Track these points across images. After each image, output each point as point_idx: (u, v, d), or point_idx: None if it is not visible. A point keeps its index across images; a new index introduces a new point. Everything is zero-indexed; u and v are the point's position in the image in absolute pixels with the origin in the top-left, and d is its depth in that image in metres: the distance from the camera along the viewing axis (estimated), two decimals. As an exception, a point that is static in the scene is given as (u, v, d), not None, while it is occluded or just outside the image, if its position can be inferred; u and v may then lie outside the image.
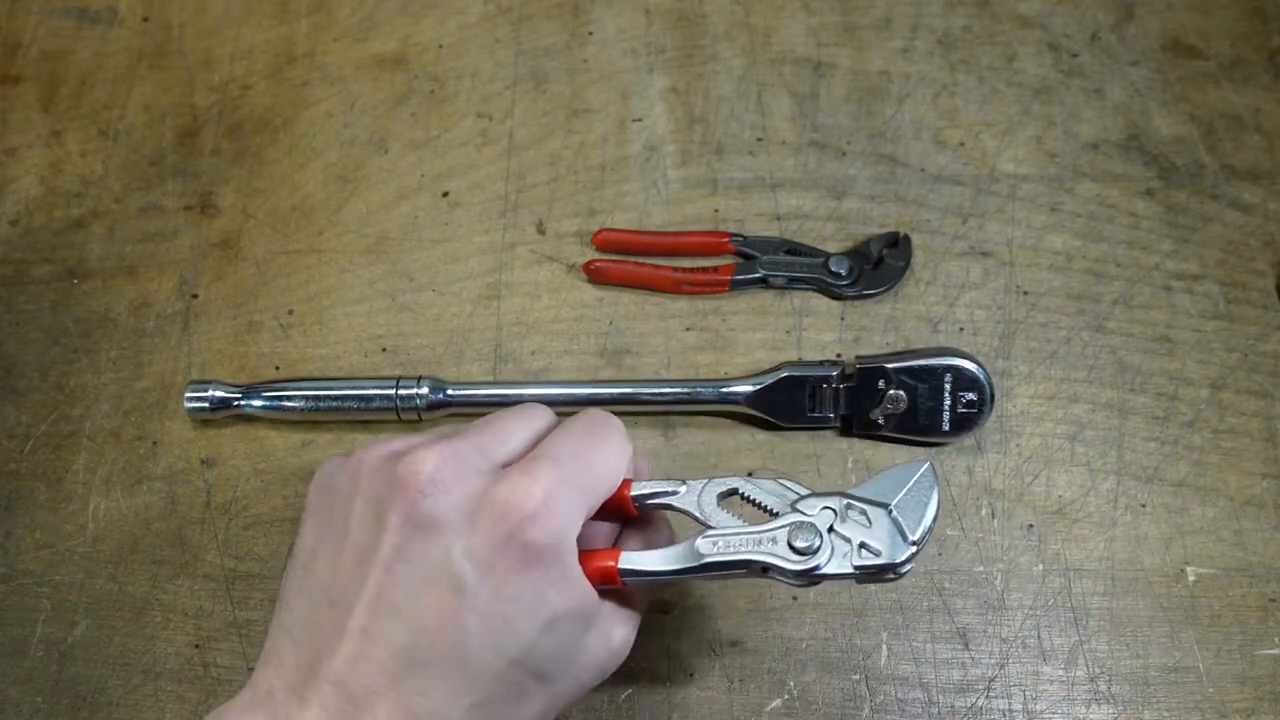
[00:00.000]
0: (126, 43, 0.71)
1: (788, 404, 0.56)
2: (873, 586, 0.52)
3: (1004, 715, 0.50)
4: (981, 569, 0.53)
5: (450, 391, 0.56)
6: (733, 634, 0.52)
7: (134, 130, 0.68)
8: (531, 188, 0.64)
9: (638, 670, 0.51)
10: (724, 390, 0.56)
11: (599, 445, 0.42)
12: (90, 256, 0.64)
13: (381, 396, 0.56)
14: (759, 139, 0.65)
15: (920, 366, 0.54)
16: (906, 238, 0.61)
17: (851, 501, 0.42)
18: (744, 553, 0.42)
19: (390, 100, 0.68)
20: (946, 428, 0.55)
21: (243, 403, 0.56)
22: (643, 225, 0.63)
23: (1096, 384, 0.57)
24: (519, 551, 0.37)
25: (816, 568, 0.41)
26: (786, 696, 0.51)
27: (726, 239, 0.61)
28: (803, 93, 0.67)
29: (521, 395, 0.56)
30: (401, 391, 0.56)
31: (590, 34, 0.70)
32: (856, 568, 0.41)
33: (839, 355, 0.58)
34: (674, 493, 0.44)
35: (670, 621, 0.52)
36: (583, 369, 0.59)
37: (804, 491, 0.43)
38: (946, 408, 0.55)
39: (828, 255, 0.60)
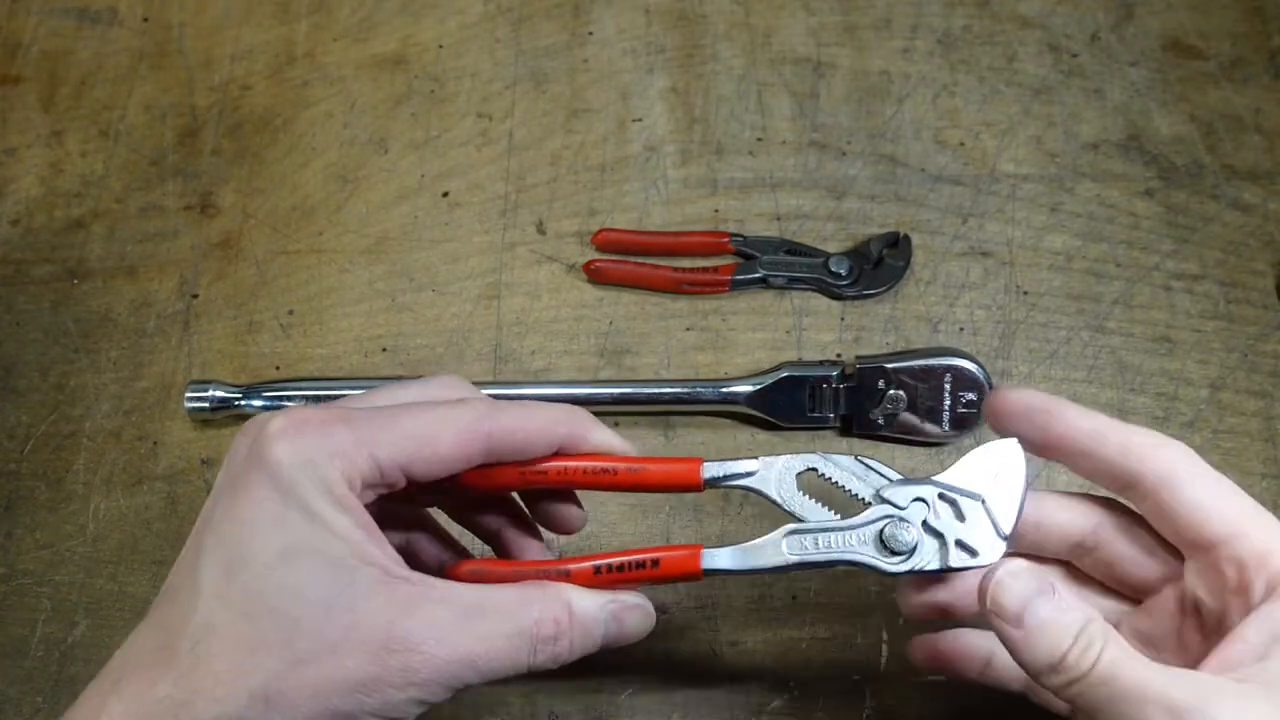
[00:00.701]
0: (127, 43, 0.71)
1: (788, 404, 0.56)
2: (873, 586, 0.52)
3: (1004, 715, 0.50)
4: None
5: None
6: (733, 634, 0.52)
7: (134, 130, 0.68)
8: (531, 188, 0.64)
9: (638, 670, 0.51)
10: (724, 390, 0.56)
11: (411, 409, 0.38)
12: (90, 256, 0.64)
13: None
14: (759, 139, 0.65)
15: (920, 366, 0.54)
16: (906, 238, 0.61)
17: (944, 490, 0.39)
18: (835, 553, 0.39)
19: (390, 100, 0.68)
20: (946, 428, 0.55)
21: (243, 403, 0.56)
22: (643, 225, 0.63)
23: (1096, 384, 0.57)
24: (261, 472, 0.35)
25: (912, 570, 0.39)
26: (786, 696, 0.51)
27: (726, 239, 0.61)
28: (803, 93, 0.67)
29: (521, 395, 0.56)
30: None
31: (590, 34, 0.70)
32: (950, 568, 0.39)
33: (839, 355, 0.58)
34: (749, 473, 0.41)
35: (670, 621, 0.52)
36: (583, 369, 0.59)
37: (888, 474, 0.40)
38: (946, 408, 0.55)
39: (828, 255, 0.60)
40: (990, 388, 0.54)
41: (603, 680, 0.51)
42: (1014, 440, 0.39)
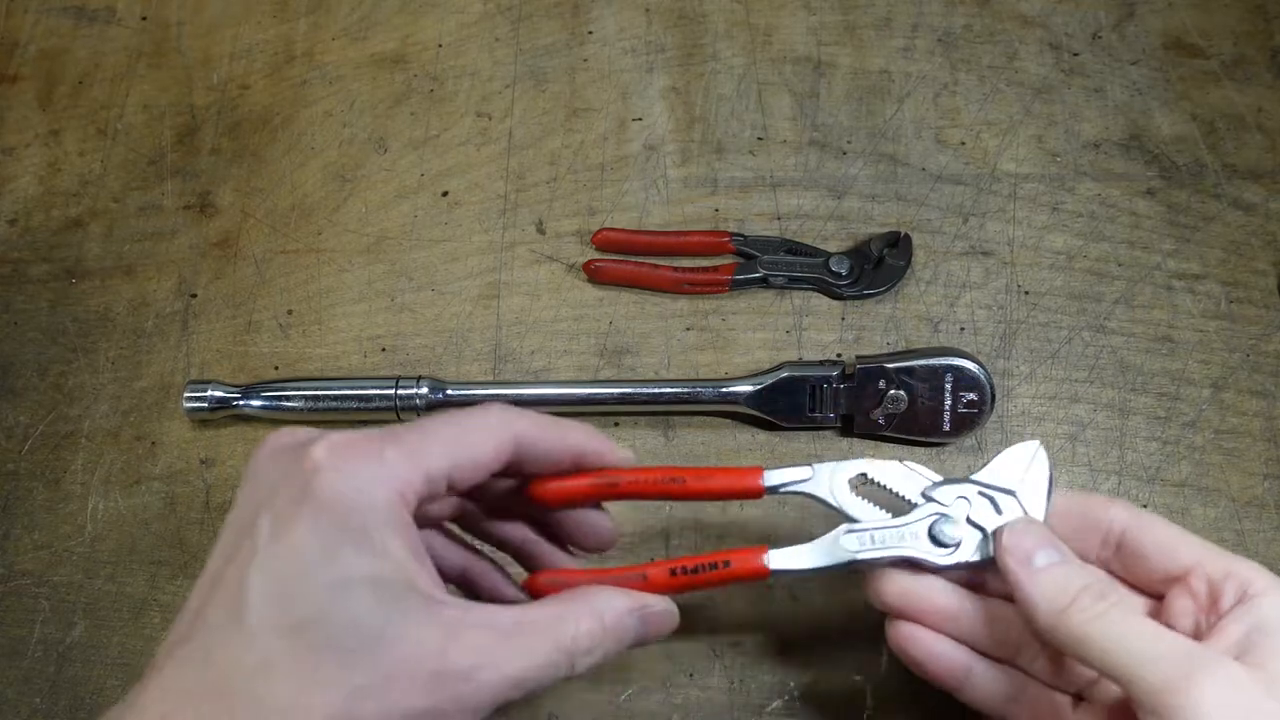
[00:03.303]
0: (125, 42, 0.71)
1: (788, 404, 0.55)
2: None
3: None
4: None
5: (450, 391, 0.56)
6: (733, 634, 0.52)
7: (132, 129, 0.68)
8: (531, 187, 0.64)
9: (638, 670, 0.51)
10: (724, 390, 0.55)
11: (447, 421, 0.38)
12: (89, 256, 0.63)
13: (381, 396, 0.56)
14: (759, 138, 0.65)
15: (921, 366, 0.54)
16: (907, 237, 0.60)
17: (982, 487, 0.43)
18: (890, 548, 0.43)
19: (389, 99, 0.68)
20: (947, 428, 0.55)
21: (242, 403, 0.56)
22: (643, 225, 0.63)
23: (1098, 384, 0.57)
24: (312, 504, 0.34)
25: (958, 563, 0.42)
26: (786, 697, 0.51)
27: (727, 238, 0.61)
28: (803, 92, 0.67)
29: (521, 395, 0.56)
30: (401, 391, 0.56)
31: (590, 33, 0.69)
32: (990, 557, 0.42)
33: (839, 355, 0.58)
34: (806, 479, 0.44)
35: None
36: (583, 369, 0.59)
37: (931, 475, 0.44)
38: (947, 408, 0.54)
39: (828, 255, 0.60)
40: (991, 388, 0.54)
41: (603, 681, 0.51)
42: (1036, 441, 0.43)
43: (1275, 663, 0.35)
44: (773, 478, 0.44)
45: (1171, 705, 0.33)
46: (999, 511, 0.43)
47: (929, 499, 0.43)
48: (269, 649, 0.33)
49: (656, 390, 0.56)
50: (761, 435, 0.57)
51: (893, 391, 0.54)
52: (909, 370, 0.54)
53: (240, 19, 0.72)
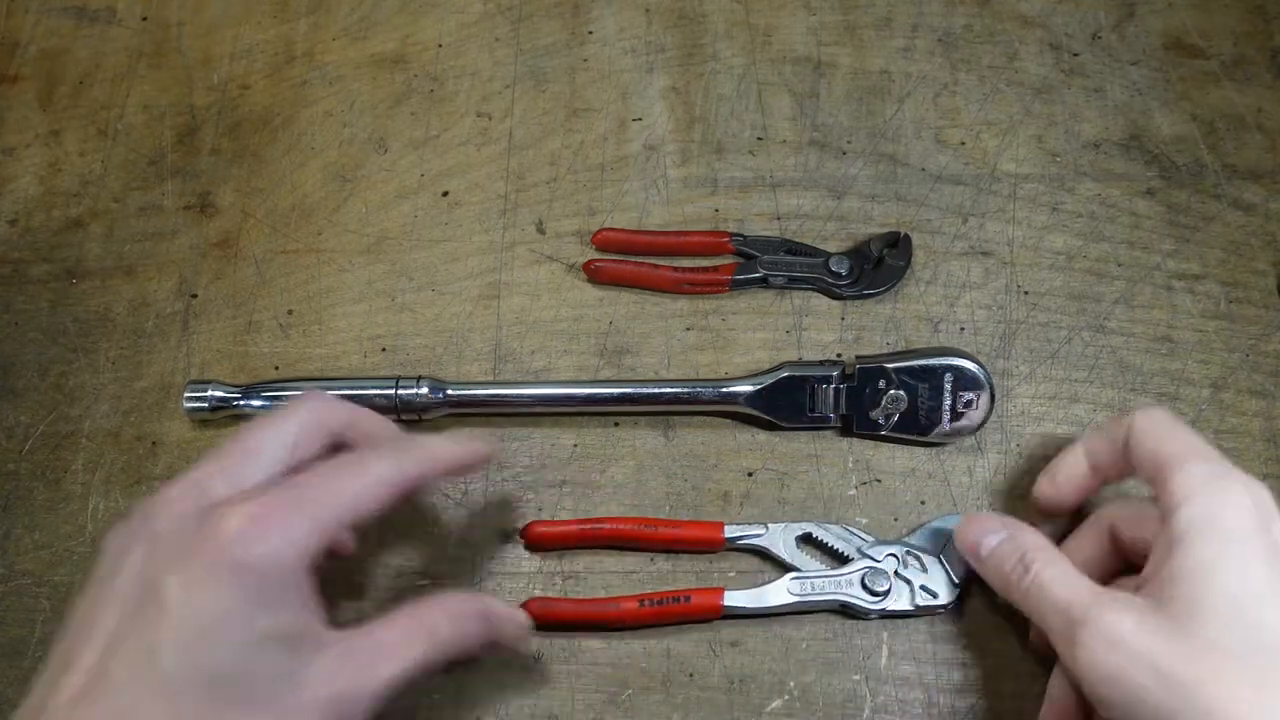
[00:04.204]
0: (125, 42, 0.71)
1: (788, 404, 0.55)
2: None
3: (1004, 716, 0.50)
4: (982, 569, 0.53)
5: (450, 391, 0.56)
6: (733, 634, 0.52)
7: (133, 129, 0.68)
8: (531, 187, 0.64)
9: (637, 670, 0.51)
10: (724, 390, 0.55)
11: (342, 477, 0.41)
12: (89, 256, 0.63)
13: (381, 397, 0.56)
14: (759, 138, 0.65)
15: (921, 366, 0.54)
16: (907, 237, 0.60)
17: (910, 548, 0.52)
18: (828, 594, 0.51)
19: (389, 99, 0.68)
20: (947, 428, 0.55)
21: (242, 403, 0.56)
22: (643, 225, 0.63)
23: (1097, 384, 0.57)
24: (229, 569, 0.37)
25: (885, 610, 0.51)
26: (786, 697, 0.51)
27: (726, 239, 0.61)
28: (803, 92, 0.67)
29: (520, 395, 0.56)
30: (401, 392, 0.56)
31: (590, 33, 0.69)
32: (917, 606, 0.51)
33: (839, 355, 0.58)
34: (760, 535, 0.53)
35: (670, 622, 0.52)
36: (582, 369, 0.59)
37: (867, 538, 0.53)
38: (947, 408, 0.54)
39: (828, 255, 0.60)
40: (991, 387, 0.54)
41: (602, 681, 0.51)
42: (960, 515, 0.52)
43: (1164, 578, 0.39)
44: (732, 531, 0.53)
45: (1075, 641, 0.40)
46: (924, 570, 0.51)
47: (864, 555, 0.52)
48: (185, 705, 0.36)
49: (657, 390, 0.56)
50: (761, 435, 0.57)
51: (892, 391, 0.54)
52: (909, 370, 0.54)
53: (240, 19, 0.72)
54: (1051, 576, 0.43)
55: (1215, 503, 0.40)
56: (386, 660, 0.40)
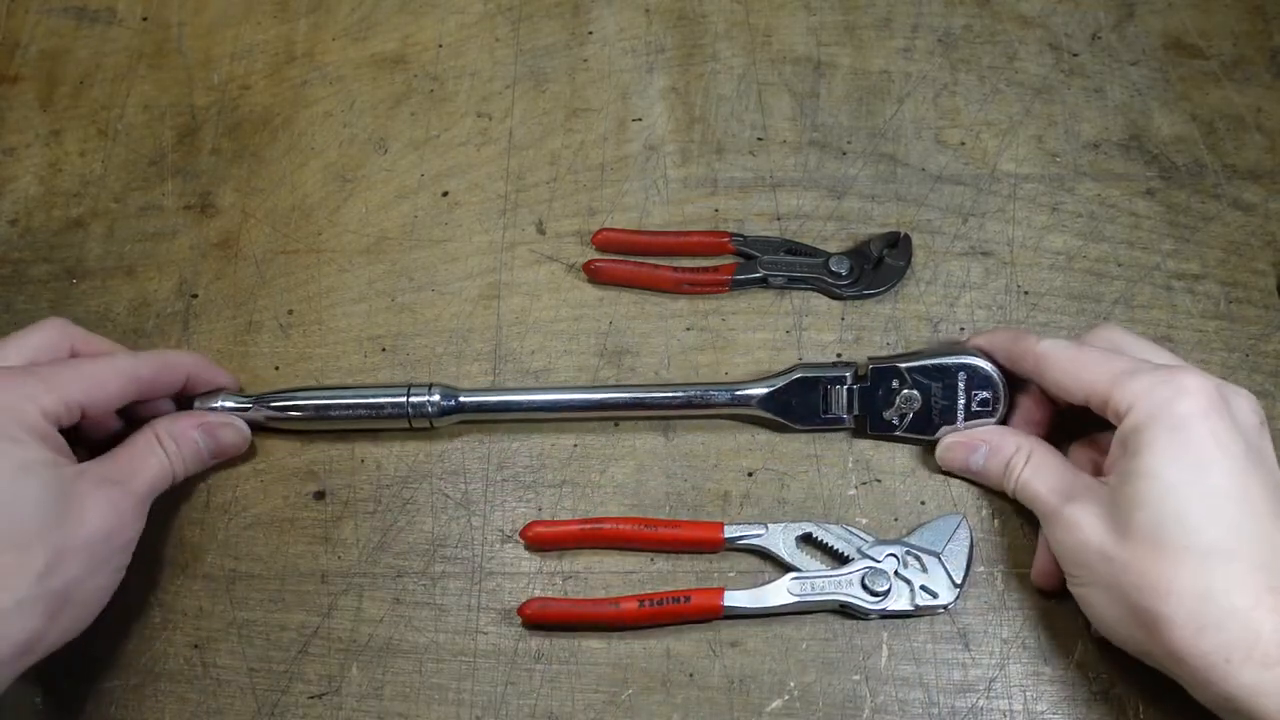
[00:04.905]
0: (125, 42, 0.71)
1: (801, 405, 0.55)
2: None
3: (1004, 715, 0.50)
4: (982, 569, 0.53)
5: (463, 398, 0.56)
6: (733, 634, 0.52)
7: (133, 130, 0.68)
8: (531, 187, 0.64)
9: (638, 670, 0.51)
10: (738, 393, 0.55)
11: (79, 362, 0.51)
12: (89, 256, 0.64)
13: (392, 405, 0.55)
14: (759, 139, 0.65)
15: (934, 365, 0.54)
16: (907, 237, 0.60)
17: (910, 548, 0.52)
18: (828, 594, 0.51)
19: (390, 100, 0.68)
20: (960, 427, 0.54)
21: (253, 413, 0.56)
22: (643, 225, 0.63)
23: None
24: None
25: (887, 608, 0.51)
26: (786, 697, 0.51)
27: (726, 239, 0.61)
28: (803, 92, 0.67)
29: (534, 401, 0.56)
30: (413, 399, 0.55)
31: (590, 33, 0.70)
32: (917, 606, 0.51)
33: (839, 355, 0.58)
34: (760, 534, 0.53)
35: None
36: (583, 369, 0.59)
37: (867, 538, 0.52)
38: (961, 406, 0.54)
39: (828, 255, 0.60)
40: (1005, 386, 0.54)
41: (602, 681, 0.51)
42: (960, 514, 0.53)
43: (1117, 476, 0.47)
44: (732, 531, 0.53)
45: (1049, 527, 0.49)
46: (924, 570, 0.52)
47: (864, 555, 0.52)
48: None
49: (669, 395, 0.55)
50: (761, 435, 0.57)
51: (906, 391, 0.54)
52: (923, 370, 0.54)
53: (240, 19, 0.72)
54: (1029, 476, 0.51)
55: (1158, 402, 0.46)
56: (137, 473, 0.50)
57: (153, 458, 0.52)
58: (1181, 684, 0.45)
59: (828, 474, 0.56)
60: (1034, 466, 0.51)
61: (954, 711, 0.50)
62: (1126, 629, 0.46)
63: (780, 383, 0.55)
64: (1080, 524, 0.47)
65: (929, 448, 0.56)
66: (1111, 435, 0.49)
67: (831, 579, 0.51)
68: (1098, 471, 0.51)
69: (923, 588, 0.51)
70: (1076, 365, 0.49)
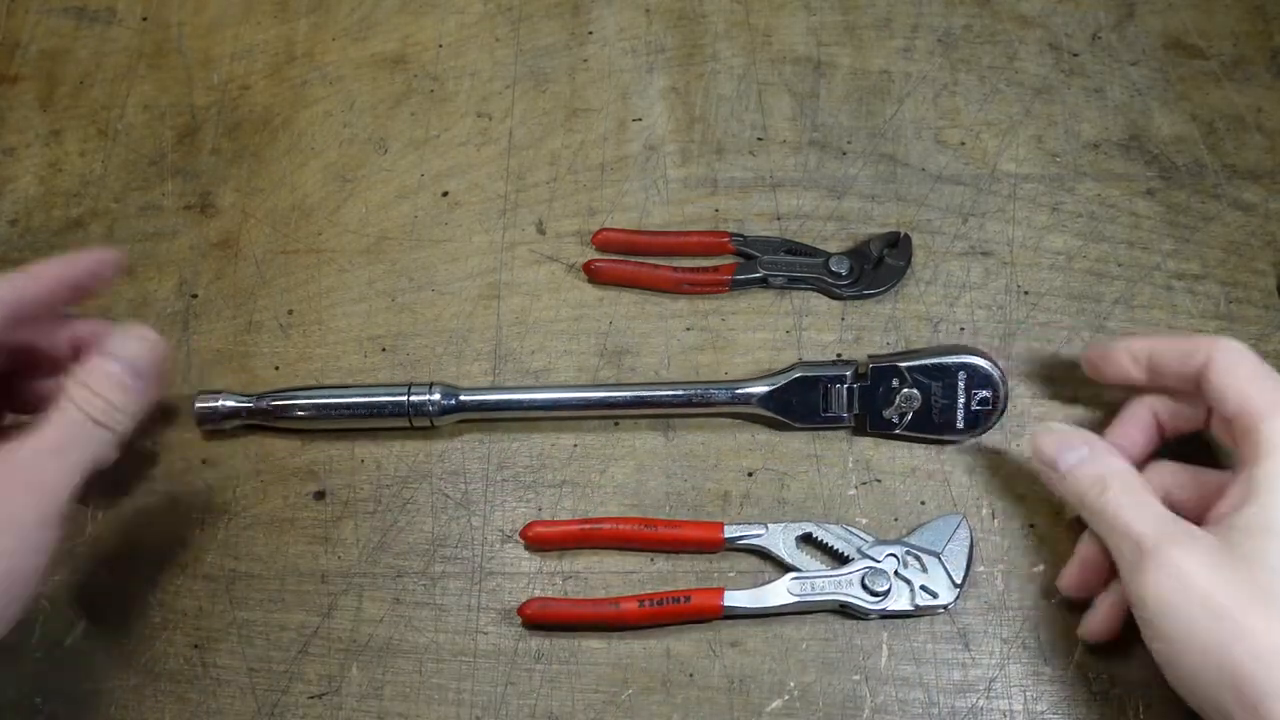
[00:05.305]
0: (125, 42, 0.71)
1: (801, 404, 0.55)
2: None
3: (1004, 716, 0.50)
4: (982, 569, 0.53)
5: (464, 397, 0.56)
6: (733, 634, 0.52)
7: (133, 130, 0.68)
8: (531, 187, 0.64)
9: (638, 670, 0.51)
10: (738, 392, 0.55)
11: None
12: (89, 256, 0.64)
13: (393, 404, 0.55)
14: (759, 139, 0.65)
15: (934, 365, 0.54)
16: (907, 237, 0.60)
17: (910, 548, 0.52)
18: (828, 594, 0.51)
19: (390, 100, 0.68)
20: (961, 425, 0.55)
21: (253, 413, 0.56)
22: (643, 225, 0.63)
23: (1097, 384, 0.57)
24: None
25: (887, 608, 0.51)
26: (786, 697, 0.51)
27: (726, 239, 0.61)
28: (803, 92, 0.67)
29: (534, 399, 0.56)
30: (413, 398, 0.55)
31: (590, 33, 0.70)
32: (917, 606, 0.51)
33: (839, 355, 0.58)
34: (760, 534, 0.53)
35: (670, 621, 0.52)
36: (583, 369, 0.59)
37: (867, 538, 0.52)
38: (961, 405, 0.54)
39: (828, 255, 0.60)
40: (1005, 385, 0.54)
41: (602, 681, 0.51)
42: (960, 515, 0.53)
43: (1238, 526, 0.42)
44: (732, 531, 0.52)
45: (1141, 569, 0.43)
46: (924, 570, 0.52)
47: (864, 555, 0.52)
48: None
49: (669, 393, 0.55)
50: (761, 435, 0.57)
51: (906, 390, 0.54)
52: (923, 369, 0.54)
53: (240, 19, 0.72)
54: (1127, 503, 0.45)
55: None
56: (70, 456, 0.45)
57: (86, 438, 0.46)
58: None
59: (828, 474, 0.56)
60: (1132, 495, 0.46)
61: (954, 711, 0.50)
62: (1214, 691, 0.40)
63: (781, 381, 0.55)
64: (1187, 571, 0.41)
65: (929, 448, 0.56)
66: (1195, 476, 0.48)
67: (831, 579, 0.51)
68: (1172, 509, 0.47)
69: (923, 588, 0.51)
70: (1255, 374, 0.45)
